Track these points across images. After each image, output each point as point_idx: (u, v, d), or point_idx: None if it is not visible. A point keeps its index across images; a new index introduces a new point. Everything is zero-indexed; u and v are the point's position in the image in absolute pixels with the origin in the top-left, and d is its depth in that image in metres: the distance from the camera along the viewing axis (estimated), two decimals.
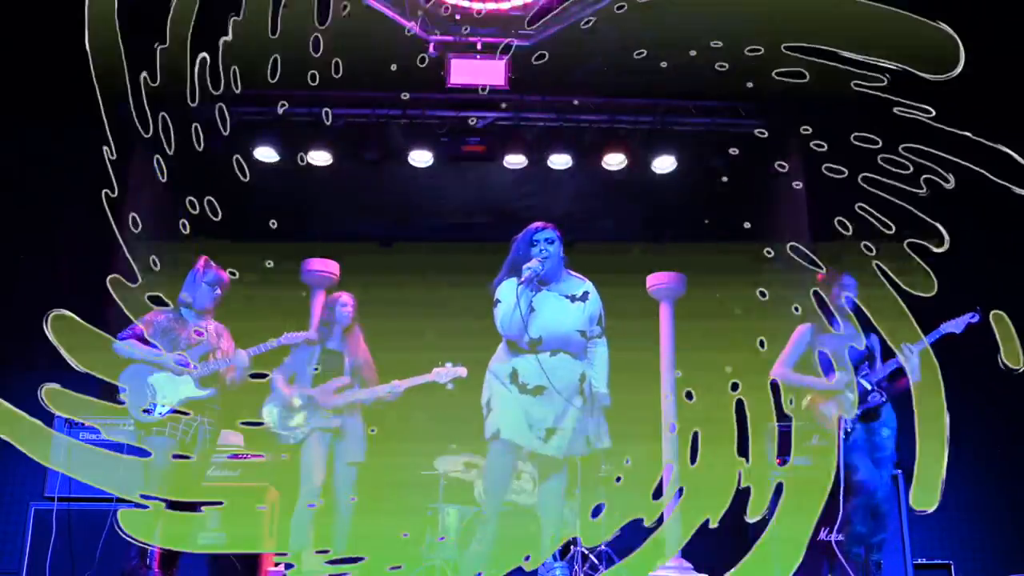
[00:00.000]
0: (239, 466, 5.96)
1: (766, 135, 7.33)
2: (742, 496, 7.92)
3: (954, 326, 4.91)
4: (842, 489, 4.81)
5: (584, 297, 4.35)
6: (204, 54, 6.38)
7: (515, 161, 7.43)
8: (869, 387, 4.92)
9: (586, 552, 6.25)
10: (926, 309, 4.88)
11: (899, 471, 5.68)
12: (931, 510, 4.85)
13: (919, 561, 5.68)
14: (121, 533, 4.88)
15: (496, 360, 4.41)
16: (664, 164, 7.42)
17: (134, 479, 4.84)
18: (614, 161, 7.43)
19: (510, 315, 4.20)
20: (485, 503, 4.53)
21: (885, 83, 6.18)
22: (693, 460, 7.82)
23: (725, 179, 7.62)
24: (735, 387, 8.26)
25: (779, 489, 5.77)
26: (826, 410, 4.94)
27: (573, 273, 4.46)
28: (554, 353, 4.22)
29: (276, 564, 6.17)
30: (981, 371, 6.07)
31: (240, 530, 5.83)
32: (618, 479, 6.80)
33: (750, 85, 7.11)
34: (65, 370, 6.16)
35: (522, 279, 4.20)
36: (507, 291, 4.28)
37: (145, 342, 4.85)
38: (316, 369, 5.37)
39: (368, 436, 5.41)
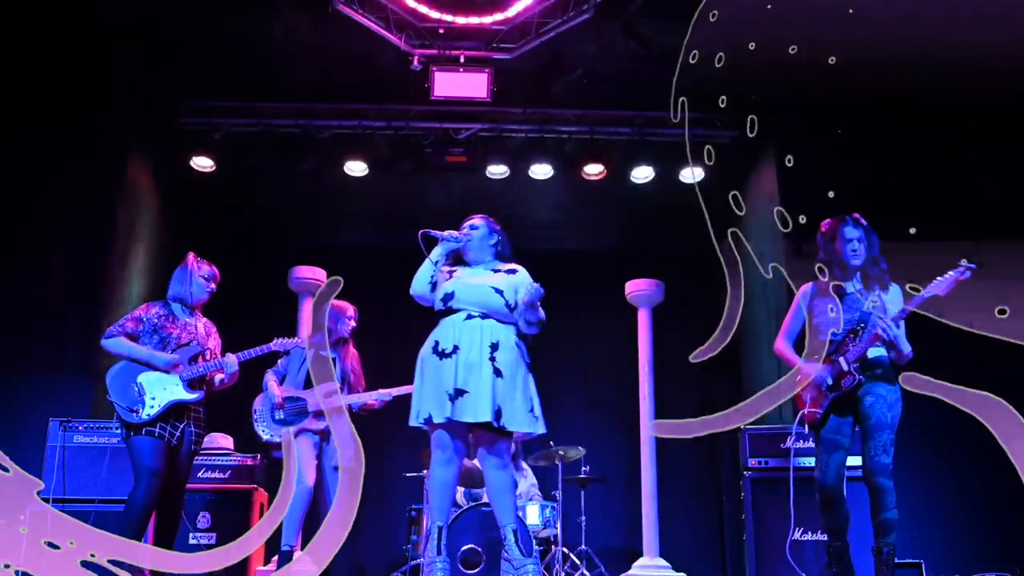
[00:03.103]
0: (228, 468, 6.07)
1: (743, 145, 7.50)
2: (719, 497, 8.14)
3: (939, 287, 4.05)
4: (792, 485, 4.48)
5: (511, 272, 4.18)
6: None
7: (497, 171, 7.60)
8: (845, 368, 4.22)
9: (566, 552, 6.34)
10: None
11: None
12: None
13: None
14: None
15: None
16: (642, 174, 7.57)
17: (124, 481, 4.89)
18: (593, 171, 7.58)
19: (421, 271, 4.13)
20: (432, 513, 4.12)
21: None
22: (671, 461, 8.02)
23: (702, 188, 7.74)
24: (712, 390, 8.49)
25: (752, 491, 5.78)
26: (804, 395, 4.36)
27: (505, 262, 4.27)
28: (469, 316, 3.99)
29: (265, 564, 6.29)
30: (947, 374, 6.29)
31: (229, 531, 5.93)
32: (596, 479, 6.91)
33: (724, 97, 7.28)
34: (59, 373, 6.32)
35: (442, 237, 4.12)
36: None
37: (133, 339, 4.74)
38: (307, 373, 5.47)
39: (358, 441, 5.46)
